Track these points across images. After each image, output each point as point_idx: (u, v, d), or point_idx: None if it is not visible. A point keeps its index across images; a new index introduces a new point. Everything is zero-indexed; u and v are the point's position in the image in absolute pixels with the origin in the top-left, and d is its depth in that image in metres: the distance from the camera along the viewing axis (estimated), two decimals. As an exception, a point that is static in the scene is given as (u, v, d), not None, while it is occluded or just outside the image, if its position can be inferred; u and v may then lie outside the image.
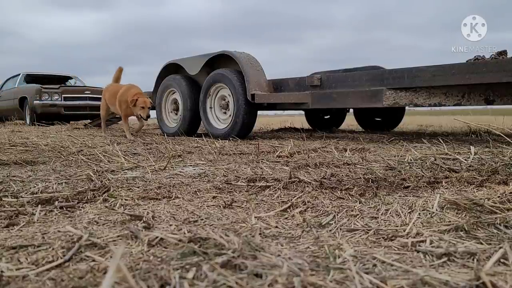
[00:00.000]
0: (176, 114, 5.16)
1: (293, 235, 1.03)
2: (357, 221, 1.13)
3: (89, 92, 9.16)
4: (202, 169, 2.13)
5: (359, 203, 1.33)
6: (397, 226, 1.08)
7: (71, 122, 8.51)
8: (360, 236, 1.02)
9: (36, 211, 1.23)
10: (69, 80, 10.72)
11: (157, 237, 0.94)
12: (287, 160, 2.41)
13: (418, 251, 0.89)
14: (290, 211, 1.26)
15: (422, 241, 0.95)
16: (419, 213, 1.18)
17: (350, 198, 1.41)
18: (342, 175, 1.77)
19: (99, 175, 1.90)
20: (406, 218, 1.14)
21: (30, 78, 9.84)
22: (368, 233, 1.03)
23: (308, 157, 2.42)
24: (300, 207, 1.30)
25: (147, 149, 3.19)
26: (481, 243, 0.93)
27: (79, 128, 6.73)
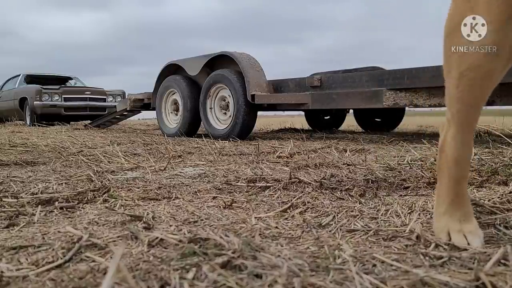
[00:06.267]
0: (176, 114, 5.16)
1: (293, 235, 1.03)
2: (357, 222, 1.13)
3: (89, 92, 9.18)
4: (202, 170, 2.13)
5: (359, 204, 1.33)
6: (397, 227, 1.08)
7: (71, 122, 8.52)
8: (360, 236, 1.02)
9: (36, 211, 1.23)
10: (69, 81, 10.75)
11: (157, 238, 0.94)
12: (287, 161, 2.41)
13: (418, 252, 0.89)
14: (290, 211, 1.26)
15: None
16: (419, 214, 1.18)
17: (350, 199, 1.41)
18: (342, 176, 1.77)
19: (99, 176, 1.90)
20: (406, 219, 1.14)
21: (30, 79, 9.86)
22: (368, 233, 1.03)
23: (308, 158, 2.42)
24: (300, 207, 1.30)
25: (147, 149, 3.19)
26: (481, 244, 0.93)
27: (79, 129, 6.73)
